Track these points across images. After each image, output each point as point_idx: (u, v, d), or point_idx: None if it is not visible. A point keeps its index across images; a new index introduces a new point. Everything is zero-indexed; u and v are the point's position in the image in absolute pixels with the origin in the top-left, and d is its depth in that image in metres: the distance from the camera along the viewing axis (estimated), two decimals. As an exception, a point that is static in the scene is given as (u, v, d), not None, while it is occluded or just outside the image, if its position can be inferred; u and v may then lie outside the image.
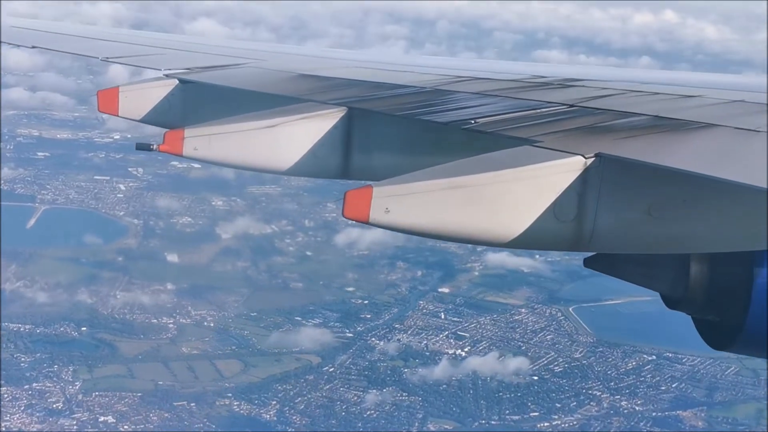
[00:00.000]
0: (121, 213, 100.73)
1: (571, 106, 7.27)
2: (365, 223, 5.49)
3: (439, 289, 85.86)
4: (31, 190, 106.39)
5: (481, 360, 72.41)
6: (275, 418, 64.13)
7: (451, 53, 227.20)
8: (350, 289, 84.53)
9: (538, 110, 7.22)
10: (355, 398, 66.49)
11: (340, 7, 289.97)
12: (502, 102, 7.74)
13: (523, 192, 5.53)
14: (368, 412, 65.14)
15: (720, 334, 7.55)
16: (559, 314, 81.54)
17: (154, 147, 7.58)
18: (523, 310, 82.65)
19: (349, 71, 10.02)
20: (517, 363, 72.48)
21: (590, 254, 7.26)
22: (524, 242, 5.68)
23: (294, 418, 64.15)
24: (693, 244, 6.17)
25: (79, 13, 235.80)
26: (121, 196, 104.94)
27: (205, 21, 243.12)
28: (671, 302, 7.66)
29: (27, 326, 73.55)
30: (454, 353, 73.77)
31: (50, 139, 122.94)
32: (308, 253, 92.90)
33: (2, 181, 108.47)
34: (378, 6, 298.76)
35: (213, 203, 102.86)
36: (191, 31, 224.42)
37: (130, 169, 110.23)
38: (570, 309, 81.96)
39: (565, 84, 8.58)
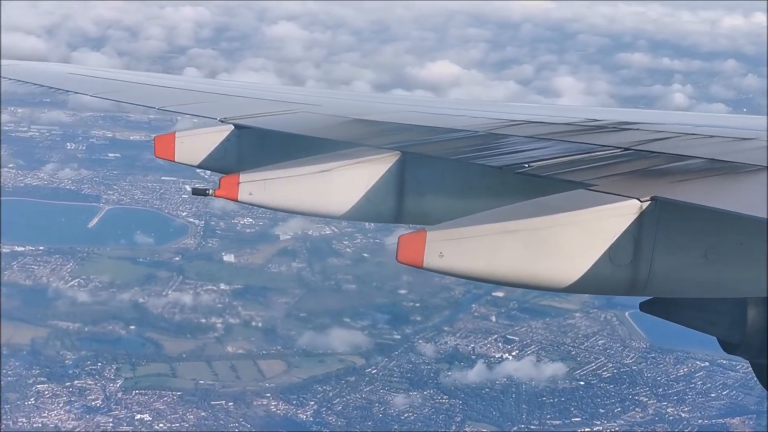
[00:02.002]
0: (184, 213, 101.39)
1: (626, 149, 7.28)
2: (419, 267, 5.52)
3: (494, 293, 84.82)
4: (97, 190, 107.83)
5: (527, 364, 71.37)
6: (311, 419, 63.92)
7: (531, 56, 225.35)
8: (402, 291, 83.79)
9: (593, 154, 7.23)
10: (395, 400, 65.91)
11: (424, 11, 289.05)
12: (556, 146, 7.76)
13: (578, 236, 5.54)
14: (405, 415, 64.58)
15: None
16: (615, 319, 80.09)
17: (210, 192, 7.68)
18: (577, 314, 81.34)
19: (401, 115, 10.13)
20: (564, 367, 71.39)
21: (646, 298, 7.21)
22: (579, 287, 5.68)
23: (330, 419, 63.87)
24: (750, 288, 6.15)
25: (163, 17, 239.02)
26: (186, 196, 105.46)
27: (286, 25, 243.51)
28: (729, 347, 7.63)
29: (76, 324, 74.31)
30: (501, 357, 72.87)
31: (123, 141, 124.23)
32: (365, 255, 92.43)
33: (69, 181, 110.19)
34: (464, 8, 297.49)
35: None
36: (271, 35, 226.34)
37: (198, 170, 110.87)
38: (626, 314, 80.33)
39: (619, 127, 8.58)
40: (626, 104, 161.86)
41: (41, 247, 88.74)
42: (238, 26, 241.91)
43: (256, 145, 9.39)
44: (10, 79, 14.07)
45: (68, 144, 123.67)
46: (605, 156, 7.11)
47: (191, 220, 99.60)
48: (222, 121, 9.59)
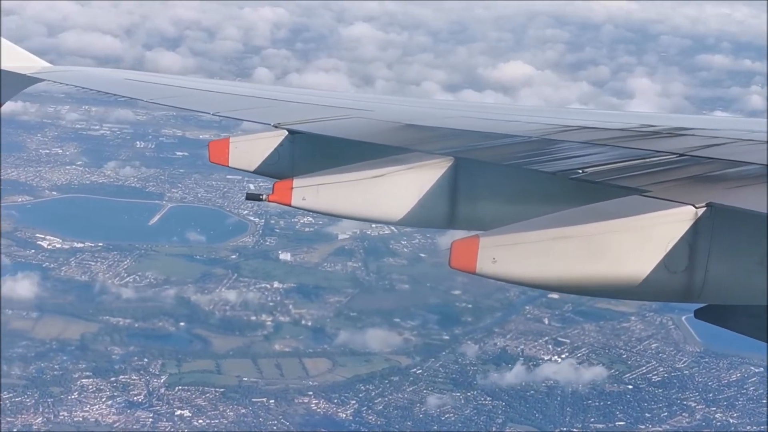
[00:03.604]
0: (245, 212, 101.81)
1: (681, 155, 7.31)
2: (472, 273, 5.54)
3: (549, 295, 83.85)
4: (161, 188, 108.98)
5: (575, 367, 70.48)
6: (351, 418, 63.72)
7: (610, 58, 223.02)
8: (456, 292, 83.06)
9: (647, 159, 7.27)
10: (436, 401, 65.46)
11: (505, 11, 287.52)
12: (610, 151, 7.80)
13: (632, 242, 5.54)
14: (446, 415, 64.11)
15: None
16: (670, 323, 78.91)
17: (264, 197, 7.93)
18: (633, 317, 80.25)
19: (454, 121, 10.32)
20: (612, 371, 70.37)
21: (701, 305, 7.24)
22: (634, 293, 5.73)
23: (369, 418, 63.65)
24: None
25: (241, 17, 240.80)
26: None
27: (362, 26, 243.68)
28: None
29: (126, 320, 75.00)
30: (550, 359, 72.05)
31: (192, 139, 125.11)
32: (422, 255, 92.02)
33: (134, 179, 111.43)
34: (545, 9, 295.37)
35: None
36: (347, 36, 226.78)
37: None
38: (683, 318, 78.98)
39: (674, 133, 8.65)
40: (702, 106, 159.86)
41: (100, 244, 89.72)
42: (315, 27, 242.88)
43: (309, 151, 9.52)
44: (68, 84, 14.72)
45: (138, 142, 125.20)
46: (660, 162, 7.13)
47: (252, 218, 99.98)
48: (276, 127, 9.73)
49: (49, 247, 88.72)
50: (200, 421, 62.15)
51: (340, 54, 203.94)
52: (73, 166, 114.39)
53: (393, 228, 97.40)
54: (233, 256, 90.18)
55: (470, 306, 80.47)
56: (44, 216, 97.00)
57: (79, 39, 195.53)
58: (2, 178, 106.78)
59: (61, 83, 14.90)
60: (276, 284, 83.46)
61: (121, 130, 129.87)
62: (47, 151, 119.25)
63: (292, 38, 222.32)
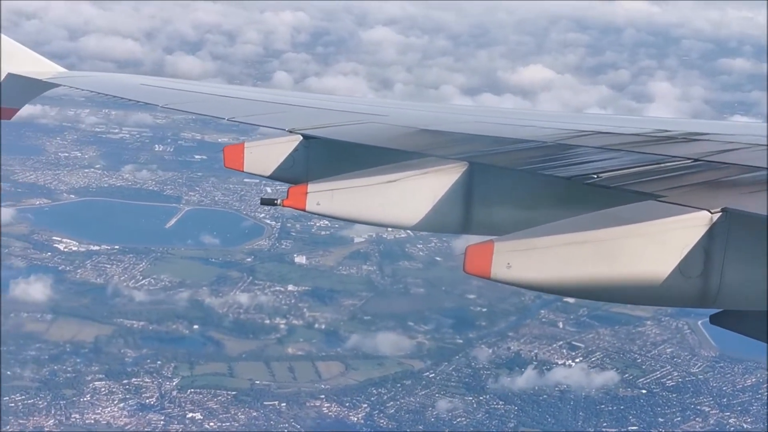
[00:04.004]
0: (262, 215, 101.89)
1: (696, 160, 7.30)
2: (487, 278, 5.55)
3: (564, 299, 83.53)
4: (179, 191, 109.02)
5: (588, 371, 70.22)
6: (362, 421, 63.64)
7: (631, 61, 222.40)
8: (471, 296, 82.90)
9: (662, 165, 7.25)
10: (448, 404, 65.31)
11: (527, 15, 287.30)
12: (625, 156, 7.80)
13: (647, 247, 5.53)
14: (458, 419, 63.97)
15: None
16: (686, 327, 78.51)
17: (279, 202, 7.94)
18: (648, 322, 79.89)
19: (468, 126, 10.26)
20: (626, 375, 70.11)
21: (717, 311, 7.05)
22: (649, 298, 5.74)
23: (381, 421, 63.57)
24: None
25: (262, 21, 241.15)
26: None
27: (382, 29, 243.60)
28: None
29: (140, 323, 75.10)
30: (563, 363, 71.79)
31: (211, 143, 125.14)
32: (437, 258, 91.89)
33: (152, 183, 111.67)
34: (567, 13, 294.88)
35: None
36: (367, 39, 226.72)
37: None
38: (698, 323, 78.61)
39: (689, 138, 8.62)
40: (722, 110, 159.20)
41: (116, 247, 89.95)
42: (336, 30, 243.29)
43: (323, 156, 9.55)
44: (83, 90, 14.90)
45: (156, 145, 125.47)
46: (675, 167, 7.09)
47: (268, 221, 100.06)
48: (291, 132, 9.77)
49: (65, 249, 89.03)
50: (211, 424, 62.19)
51: (360, 58, 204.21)
52: (92, 170, 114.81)
53: (409, 232, 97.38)
54: (248, 259, 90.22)
55: (485, 310, 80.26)
56: (61, 219, 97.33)
57: (99, 43, 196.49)
58: (20, 181, 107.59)
59: (76, 89, 15.11)
60: (290, 287, 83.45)
61: (141, 133, 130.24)
62: (66, 155, 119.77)
63: (313, 42, 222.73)
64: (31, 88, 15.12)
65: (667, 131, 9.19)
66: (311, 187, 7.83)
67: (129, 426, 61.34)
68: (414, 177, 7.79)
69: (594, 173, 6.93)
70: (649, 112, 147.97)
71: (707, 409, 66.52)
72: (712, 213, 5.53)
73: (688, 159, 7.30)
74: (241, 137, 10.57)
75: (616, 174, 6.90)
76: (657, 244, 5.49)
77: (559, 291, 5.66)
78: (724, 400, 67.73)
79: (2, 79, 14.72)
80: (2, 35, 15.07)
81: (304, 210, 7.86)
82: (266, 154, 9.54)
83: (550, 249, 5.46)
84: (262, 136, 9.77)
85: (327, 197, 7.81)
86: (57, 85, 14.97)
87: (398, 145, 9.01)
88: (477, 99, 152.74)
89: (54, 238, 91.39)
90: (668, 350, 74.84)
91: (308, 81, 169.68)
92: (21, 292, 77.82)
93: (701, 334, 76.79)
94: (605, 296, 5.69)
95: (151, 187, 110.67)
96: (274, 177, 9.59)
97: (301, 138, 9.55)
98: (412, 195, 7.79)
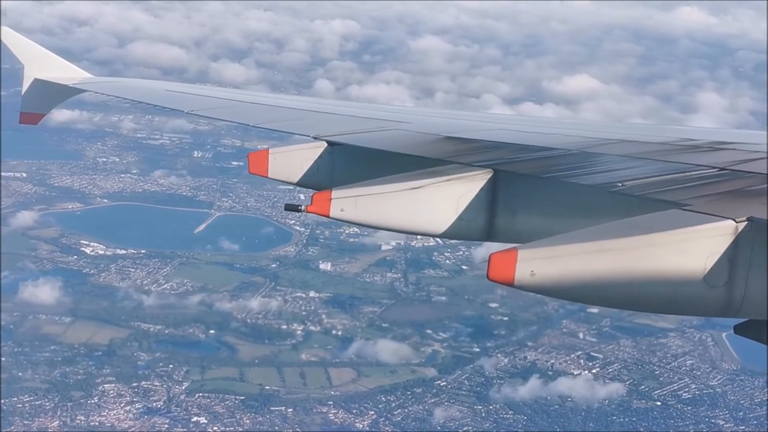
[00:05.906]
0: (292, 221, 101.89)
1: (722, 169, 7.30)
2: (510, 285, 5.56)
3: (588, 309, 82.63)
4: (212, 197, 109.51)
5: (602, 382, 69.32)
6: (367, 428, 63.27)
7: (682, 72, 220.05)
8: (494, 305, 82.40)
9: (687, 173, 7.28)
10: (456, 413, 64.84)
11: (581, 25, 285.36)
12: (650, 165, 7.83)
13: (672, 256, 5.51)
14: (465, 428, 63.42)
15: None
16: (709, 339, 77.42)
17: (303, 208, 8.09)
18: (672, 333, 78.84)
19: (493, 133, 10.28)
20: (642, 387, 69.21)
21: (741, 320, 7.03)
22: (673, 308, 5.73)
23: (386, 429, 63.18)
24: None
25: (312, 30, 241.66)
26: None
27: (431, 38, 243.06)
28: None
29: (157, 326, 75.34)
30: (579, 374, 70.96)
31: (250, 149, 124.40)
32: (464, 267, 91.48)
33: (187, 188, 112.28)
34: (623, 23, 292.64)
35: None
36: (415, 48, 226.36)
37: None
38: (723, 335, 77.40)
39: (714, 147, 8.63)
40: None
41: (143, 251, 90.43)
42: (386, 40, 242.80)
43: (348, 162, 9.64)
44: (108, 95, 15.08)
45: (195, 152, 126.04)
46: (700, 176, 7.12)
47: (297, 228, 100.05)
48: (315, 138, 9.86)
49: (92, 253, 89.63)
50: (215, 428, 62.14)
51: (406, 66, 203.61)
52: (128, 175, 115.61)
53: (437, 239, 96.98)
54: (273, 265, 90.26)
55: (506, 319, 79.72)
56: (91, 223, 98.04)
57: (145, 50, 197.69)
58: (56, 185, 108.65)
59: (101, 94, 15.22)
60: (312, 294, 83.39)
61: (181, 139, 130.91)
62: (104, 159, 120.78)
63: (361, 50, 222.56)
64: (58, 93, 15.39)
65: (692, 140, 9.19)
66: (335, 193, 7.88)
67: (132, 428, 61.45)
68: (438, 184, 7.82)
69: (619, 181, 6.94)
70: (690, 123, 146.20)
71: (722, 422, 65.52)
72: (737, 222, 5.50)
73: (714, 168, 7.26)
74: (280, 144, 10.55)
75: (641, 182, 6.90)
76: (682, 253, 5.45)
77: (583, 299, 5.67)
78: (740, 413, 66.63)
79: (29, 85, 15.00)
80: (32, 42, 15.48)
81: (327, 216, 7.91)
82: (291, 161, 9.69)
83: (574, 257, 5.43)
84: (296, 143, 9.84)
85: (351, 203, 7.84)
86: (83, 91, 15.19)
87: (422, 153, 9.00)
88: (517, 108, 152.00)
89: (82, 241, 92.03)
90: (689, 362, 73.81)
91: (349, 89, 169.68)
92: (42, 295, 78.42)
93: (724, 347, 75.64)
94: (628, 305, 5.72)
95: (184, 193, 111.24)
96: (299, 183, 9.70)
97: (326, 144, 9.63)
98: (436, 202, 7.83)
